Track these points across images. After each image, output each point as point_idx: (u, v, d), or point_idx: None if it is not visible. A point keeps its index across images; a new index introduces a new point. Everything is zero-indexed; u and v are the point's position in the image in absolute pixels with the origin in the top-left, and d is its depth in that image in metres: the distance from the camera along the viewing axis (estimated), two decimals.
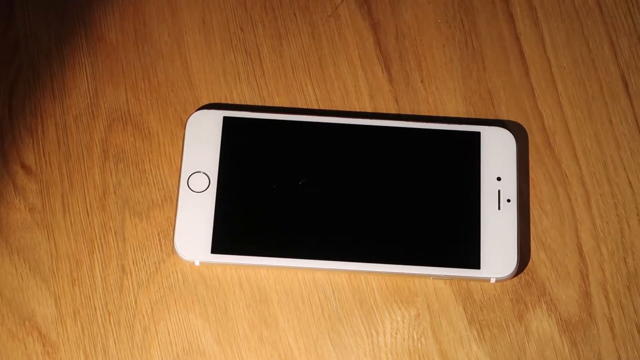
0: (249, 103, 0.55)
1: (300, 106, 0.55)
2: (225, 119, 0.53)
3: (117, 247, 0.52)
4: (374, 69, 0.55)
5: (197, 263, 0.51)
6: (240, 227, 0.51)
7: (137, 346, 0.51)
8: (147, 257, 0.52)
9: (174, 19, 0.56)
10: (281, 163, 0.52)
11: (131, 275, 0.52)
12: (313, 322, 0.51)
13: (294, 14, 0.56)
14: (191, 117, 0.53)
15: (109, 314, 0.51)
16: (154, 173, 0.53)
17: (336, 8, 0.56)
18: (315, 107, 0.55)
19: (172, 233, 0.52)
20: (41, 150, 0.54)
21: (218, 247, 0.51)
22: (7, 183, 0.53)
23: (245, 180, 0.52)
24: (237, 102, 0.55)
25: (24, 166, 0.54)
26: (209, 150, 0.52)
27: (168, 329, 0.51)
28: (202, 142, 0.53)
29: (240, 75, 0.55)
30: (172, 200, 0.53)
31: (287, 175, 0.52)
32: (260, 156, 0.52)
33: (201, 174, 0.52)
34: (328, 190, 0.52)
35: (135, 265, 0.52)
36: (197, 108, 0.54)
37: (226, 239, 0.51)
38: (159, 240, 0.52)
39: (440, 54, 0.56)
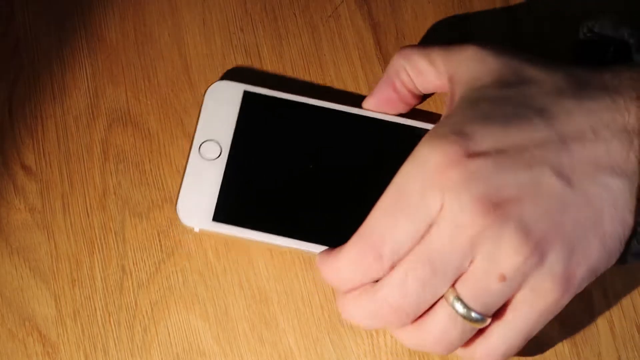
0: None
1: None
2: (246, 93, 0.53)
3: (117, 247, 0.52)
4: (374, 69, 0.55)
5: (196, 229, 0.51)
6: (246, 200, 0.51)
7: (137, 346, 0.51)
8: (147, 258, 0.52)
9: (174, 19, 0.56)
10: (296, 144, 0.52)
11: (131, 275, 0.52)
12: (313, 323, 0.51)
13: (294, 15, 0.56)
14: (212, 86, 0.53)
15: (109, 315, 0.51)
16: (154, 173, 0.54)
17: (336, 8, 0.56)
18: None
19: (175, 197, 0.52)
20: (41, 151, 0.54)
21: (220, 216, 0.50)
22: (7, 183, 0.53)
23: (257, 156, 0.52)
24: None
25: (24, 166, 0.54)
26: (225, 121, 0.52)
27: (168, 329, 0.51)
28: (219, 112, 0.52)
29: None
30: (172, 201, 0.53)
31: (300, 157, 0.52)
32: (276, 134, 0.52)
33: (214, 142, 0.52)
34: (338, 179, 0.51)
35: (135, 266, 0.52)
36: (219, 77, 0.54)
37: (230, 209, 0.50)
38: (159, 240, 0.52)
39: None
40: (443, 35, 0.56)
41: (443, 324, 0.43)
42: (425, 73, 0.49)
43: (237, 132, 0.52)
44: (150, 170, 0.54)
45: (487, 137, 0.42)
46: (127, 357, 0.51)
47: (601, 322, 0.51)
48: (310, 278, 0.52)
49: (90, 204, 0.53)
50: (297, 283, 0.52)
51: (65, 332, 0.51)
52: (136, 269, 0.52)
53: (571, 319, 0.51)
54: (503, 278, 0.42)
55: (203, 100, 0.52)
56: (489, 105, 0.44)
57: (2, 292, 0.52)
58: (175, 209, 0.51)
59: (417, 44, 0.56)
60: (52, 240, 0.52)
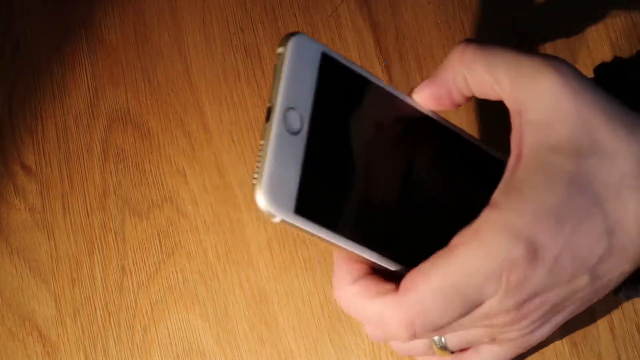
0: (249, 104, 0.55)
1: None
2: (325, 55, 0.40)
3: (117, 247, 0.52)
4: (374, 69, 0.55)
5: (277, 220, 0.38)
6: (332, 192, 0.39)
7: (137, 346, 0.51)
8: (147, 258, 0.52)
9: (174, 19, 0.56)
10: (383, 136, 0.42)
11: (131, 275, 0.52)
12: (313, 323, 0.51)
13: (294, 15, 0.56)
14: (296, 37, 0.39)
15: (109, 315, 0.51)
16: (154, 173, 0.54)
17: (336, 8, 0.56)
18: None
19: (252, 175, 0.41)
20: (41, 151, 0.54)
21: (304, 208, 0.38)
22: (7, 183, 0.53)
23: (341, 138, 0.40)
24: (237, 102, 0.55)
25: (24, 166, 0.54)
26: (304, 86, 0.40)
27: (168, 329, 0.51)
28: (299, 74, 0.39)
29: (241, 75, 0.55)
30: (172, 201, 0.53)
31: (389, 152, 0.42)
32: (361, 118, 0.41)
33: (295, 112, 0.39)
34: (433, 195, 0.43)
35: (135, 266, 0.52)
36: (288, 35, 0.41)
37: (314, 201, 0.39)
38: (159, 240, 0.52)
39: (440, 54, 0.56)
40: (443, 36, 0.56)
41: (416, 343, 0.44)
42: (488, 89, 0.43)
43: (317, 104, 0.40)
44: (150, 170, 0.54)
45: (554, 244, 0.41)
46: (127, 357, 0.51)
47: (601, 322, 0.51)
48: (310, 278, 0.52)
49: (90, 203, 0.53)
50: (297, 283, 0.52)
51: (65, 332, 0.51)
52: (136, 269, 0.52)
53: (571, 319, 0.51)
54: (493, 341, 0.43)
55: (286, 55, 0.39)
56: (563, 195, 0.41)
57: (2, 292, 0.52)
58: (257, 191, 0.37)
59: (416, 44, 0.56)
60: (52, 240, 0.52)
